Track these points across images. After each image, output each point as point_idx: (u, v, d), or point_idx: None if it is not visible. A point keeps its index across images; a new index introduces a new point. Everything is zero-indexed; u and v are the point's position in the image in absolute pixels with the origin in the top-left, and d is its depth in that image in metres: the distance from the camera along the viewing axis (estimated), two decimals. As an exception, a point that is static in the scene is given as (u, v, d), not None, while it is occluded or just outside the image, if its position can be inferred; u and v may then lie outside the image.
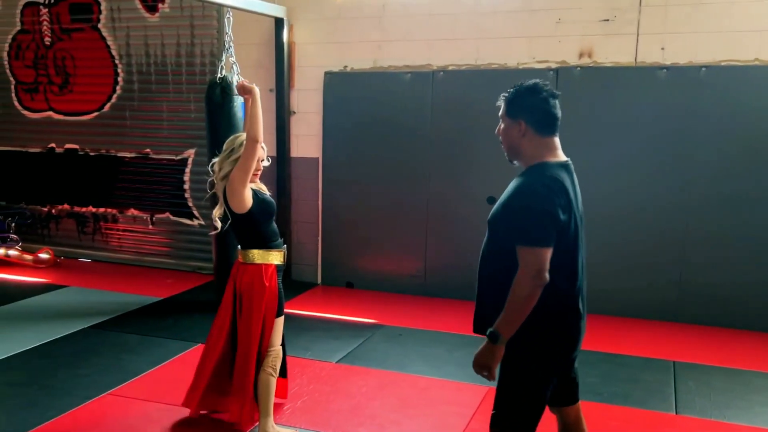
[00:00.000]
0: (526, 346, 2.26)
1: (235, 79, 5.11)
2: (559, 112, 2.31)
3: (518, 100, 2.34)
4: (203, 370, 3.44)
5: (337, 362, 4.41)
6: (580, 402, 2.58)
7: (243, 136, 3.20)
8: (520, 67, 5.43)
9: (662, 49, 5.08)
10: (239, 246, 3.31)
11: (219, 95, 5.06)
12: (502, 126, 2.37)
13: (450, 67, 5.64)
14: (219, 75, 5.10)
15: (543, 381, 2.32)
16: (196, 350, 4.57)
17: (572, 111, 5.12)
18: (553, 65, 5.33)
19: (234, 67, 5.13)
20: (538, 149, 2.30)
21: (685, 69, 5.03)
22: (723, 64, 4.96)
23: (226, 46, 5.13)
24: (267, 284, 3.20)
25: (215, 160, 3.28)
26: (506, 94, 2.37)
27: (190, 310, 5.57)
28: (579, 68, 5.27)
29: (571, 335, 2.32)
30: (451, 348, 4.65)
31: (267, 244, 3.24)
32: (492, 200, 5.58)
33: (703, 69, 4.99)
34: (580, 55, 5.28)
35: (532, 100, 2.31)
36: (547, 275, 2.15)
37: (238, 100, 5.13)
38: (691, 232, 5.15)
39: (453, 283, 5.83)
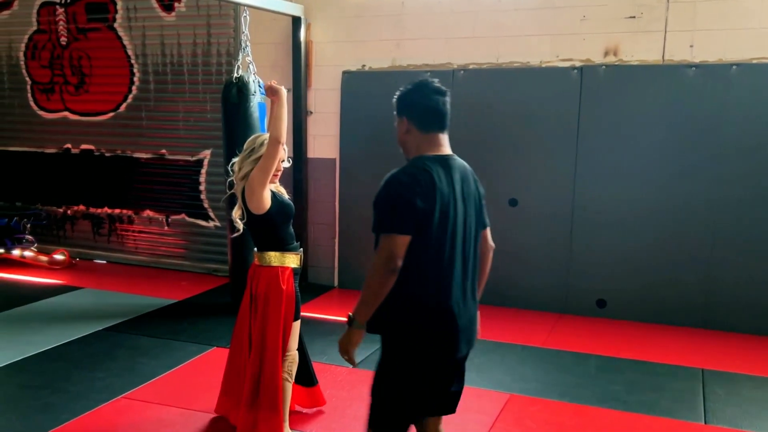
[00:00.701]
0: (395, 342, 2.31)
1: (252, 79, 5.14)
2: (444, 108, 2.34)
3: (403, 97, 2.38)
4: (231, 377, 3.41)
5: (353, 367, 4.37)
6: (443, 417, 2.54)
7: (264, 136, 3.19)
8: (543, 65, 5.38)
9: (691, 46, 5.00)
10: (255, 248, 3.30)
11: (235, 95, 5.06)
12: (395, 124, 2.42)
13: (471, 66, 5.59)
14: (235, 75, 5.10)
15: (410, 381, 2.29)
16: (211, 353, 4.58)
17: (597, 110, 5.27)
18: (578, 64, 5.28)
19: (250, 66, 5.14)
20: (420, 145, 2.34)
21: (714, 67, 4.94)
22: (754, 61, 4.87)
23: (243, 45, 5.13)
24: (284, 287, 3.18)
25: (235, 159, 3.27)
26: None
27: (205, 312, 5.57)
28: (604, 67, 5.21)
29: (443, 338, 2.29)
30: (472, 354, 4.45)
31: (284, 247, 3.23)
32: (514, 202, 5.54)
33: (734, 67, 4.90)
34: (606, 53, 5.22)
35: (414, 98, 2.36)
36: (399, 262, 2.18)
37: (255, 101, 5.13)
38: (720, 234, 5.06)
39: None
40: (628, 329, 5.18)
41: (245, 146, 3.24)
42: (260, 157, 3.11)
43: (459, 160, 2.40)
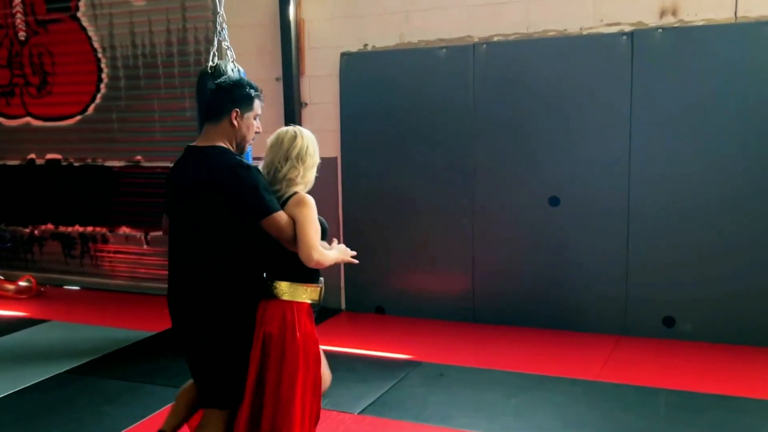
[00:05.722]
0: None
1: (230, 68, 4.92)
2: (210, 100, 2.93)
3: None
4: None
5: (360, 413, 4.06)
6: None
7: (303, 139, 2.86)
8: (585, 33, 5.15)
9: (771, -2, 4.72)
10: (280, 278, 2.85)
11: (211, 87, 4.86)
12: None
13: (495, 38, 5.35)
14: (210, 63, 4.89)
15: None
16: None
17: (654, 85, 4.94)
18: (627, 28, 5.03)
19: (228, 53, 4.96)
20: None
21: None
22: None
23: (218, 28, 5.00)
24: (298, 330, 2.82)
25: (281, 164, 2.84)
26: None
27: None
28: (661, 30, 4.93)
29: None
30: (508, 392, 4.27)
31: (308, 276, 2.86)
32: (555, 201, 5.30)
33: None
34: (662, 14, 4.96)
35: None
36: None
37: None
38: None
39: (509, 307, 5.51)
40: (705, 353, 4.83)
41: (284, 143, 2.81)
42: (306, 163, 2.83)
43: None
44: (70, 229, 7.20)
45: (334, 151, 5.92)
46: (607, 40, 5.02)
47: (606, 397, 4.13)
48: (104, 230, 7.03)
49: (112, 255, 7.02)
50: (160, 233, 6.74)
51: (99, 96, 6.80)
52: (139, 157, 6.73)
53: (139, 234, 6.87)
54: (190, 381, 3.01)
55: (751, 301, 4.84)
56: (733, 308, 4.89)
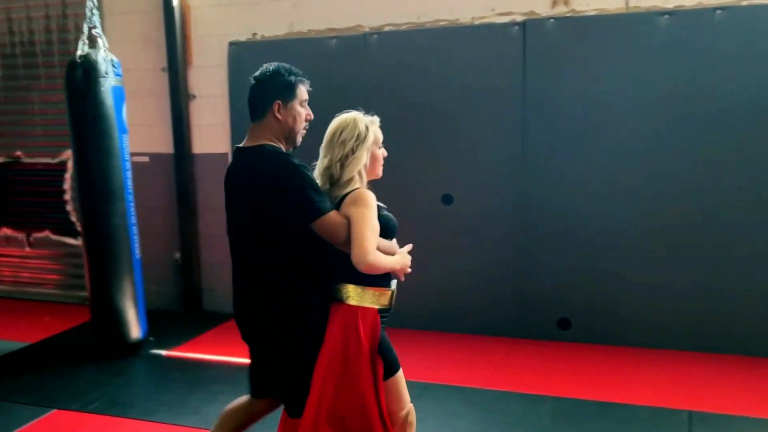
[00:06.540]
0: None
1: (102, 57, 4.77)
2: (250, 97, 2.63)
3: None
4: None
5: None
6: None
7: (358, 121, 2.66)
8: (476, 22, 4.97)
9: (662, -12, 4.57)
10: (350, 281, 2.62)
11: (81, 78, 4.68)
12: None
13: (386, 28, 5.16)
14: (79, 52, 4.74)
15: None
16: (50, 418, 4.01)
17: (546, 76, 4.78)
18: (519, 18, 4.89)
19: (99, 41, 4.77)
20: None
21: (694, 13, 4.51)
22: (744, 3, 4.43)
23: (88, 14, 4.78)
24: (363, 338, 2.64)
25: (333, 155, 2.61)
26: None
27: (60, 359, 5.01)
28: (553, 20, 4.80)
29: None
30: None
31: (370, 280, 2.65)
32: (448, 199, 5.11)
33: (719, 11, 4.47)
34: (554, 3, 4.83)
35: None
36: None
37: (107, 84, 4.71)
38: (716, 228, 4.60)
39: (403, 309, 5.05)
40: (597, 357, 4.68)
41: (347, 130, 2.63)
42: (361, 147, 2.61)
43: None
44: (-53, 232, 6.86)
45: (225, 146, 5.61)
46: (499, 31, 4.85)
47: (492, 406, 3.95)
48: (-16, 232, 6.70)
49: (-8, 258, 6.68)
50: (42, 234, 6.56)
51: (-25, 88, 6.44)
52: (19, 153, 6.42)
53: (21, 235, 6.57)
54: (238, 402, 2.84)
55: (647, 303, 4.74)
56: (629, 310, 4.79)
